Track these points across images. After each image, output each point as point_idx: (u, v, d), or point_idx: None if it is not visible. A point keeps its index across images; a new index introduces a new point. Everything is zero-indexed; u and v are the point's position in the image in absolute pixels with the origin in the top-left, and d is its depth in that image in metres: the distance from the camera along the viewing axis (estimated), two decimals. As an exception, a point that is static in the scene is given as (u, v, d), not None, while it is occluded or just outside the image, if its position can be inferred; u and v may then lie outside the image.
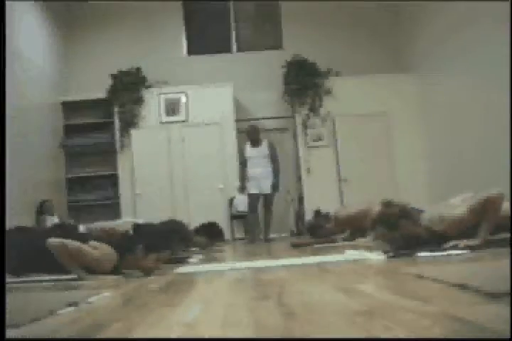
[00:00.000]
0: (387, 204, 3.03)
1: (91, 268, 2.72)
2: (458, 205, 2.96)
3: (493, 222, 2.81)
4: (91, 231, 4.04)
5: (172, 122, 8.08)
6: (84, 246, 2.74)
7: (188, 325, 1.20)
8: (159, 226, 4.12)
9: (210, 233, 5.09)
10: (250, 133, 6.66)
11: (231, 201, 7.66)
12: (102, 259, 2.74)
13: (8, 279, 2.66)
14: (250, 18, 9.47)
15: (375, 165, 7.85)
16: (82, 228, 4.14)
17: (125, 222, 4.80)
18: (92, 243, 2.79)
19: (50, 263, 2.69)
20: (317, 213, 5.27)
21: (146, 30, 8.89)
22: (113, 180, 8.05)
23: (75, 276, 2.67)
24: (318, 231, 5.03)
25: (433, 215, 2.98)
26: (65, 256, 2.66)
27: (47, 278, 2.78)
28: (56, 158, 7.95)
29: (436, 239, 2.90)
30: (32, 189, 6.81)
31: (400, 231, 2.91)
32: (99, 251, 2.75)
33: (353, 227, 4.82)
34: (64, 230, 2.89)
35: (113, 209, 7.77)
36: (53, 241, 2.68)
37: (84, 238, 2.87)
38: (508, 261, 1.68)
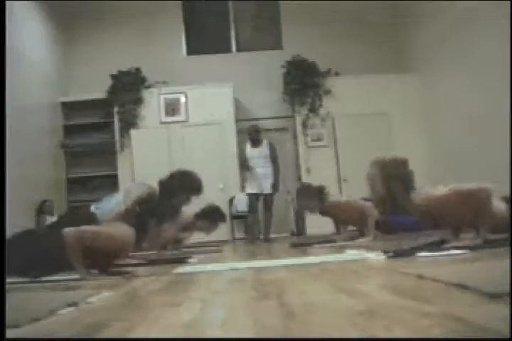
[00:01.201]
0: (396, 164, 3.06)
1: (112, 251, 2.69)
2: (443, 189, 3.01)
3: (488, 219, 2.83)
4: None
5: (172, 122, 8.08)
6: (102, 228, 2.71)
7: (188, 325, 1.20)
8: (161, 198, 3.91)
9: (212, 216, 4.99)
10: (252, 133, 6.67)
11: (231, 201, 7.65)
12: (121, 239, 2.72)
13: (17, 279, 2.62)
14: (250, 18, 9.47)
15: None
16: (93, 208, 3.91)
17: (137, 185, 4.58)
18: (106, 223, 2.78)
19: (60, 262, 2.66)
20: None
21: (145, 30, 8.89)
22: (113, 180, 8.04)
23: (75, 277, 2.66)
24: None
25: (419, 193, 3.01)
26: (78, 247, 2.60)
27: (47, 278, 2.76)
28: (56, 158, 7.95)
29: (423, 217, 2.95)
30: (32, 189, 6.81)
31: (394, 192, 2.94)
32: (117, 229, 2.73)
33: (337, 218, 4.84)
34: (76, 214, 2.87)
35: (113, 210, 7.76)
36: (69, 229, 2.64)
37: (95, 219, 2.85)
38: (508, 261, 1.68)
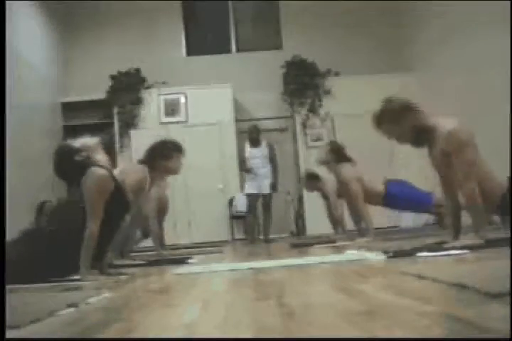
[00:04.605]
0: (389, 100, 3.02)
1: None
2: None
3: (476, 207, 2.86)
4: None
5: (171, 123, 8.08)
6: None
7: (188, 325, 1.20)
8: None
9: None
10: (252, 133, 6.68)
11: (231, 201, 7.66)
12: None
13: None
14: (250, 18, 9.47)
15: (374, 165, 7.83)
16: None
17: None
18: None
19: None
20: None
21: (145, 30, 8.89)
22: (113, 180, 8.03)
23: (75, 277, 2.66)
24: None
25: None
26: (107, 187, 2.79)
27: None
28: (56, 158, 7.94)
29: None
30: (32, 190, 6.81)
31: (405, 123, 2.93)
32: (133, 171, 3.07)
33: None
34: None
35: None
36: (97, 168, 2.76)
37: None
38: (508, 261, 1.68)
